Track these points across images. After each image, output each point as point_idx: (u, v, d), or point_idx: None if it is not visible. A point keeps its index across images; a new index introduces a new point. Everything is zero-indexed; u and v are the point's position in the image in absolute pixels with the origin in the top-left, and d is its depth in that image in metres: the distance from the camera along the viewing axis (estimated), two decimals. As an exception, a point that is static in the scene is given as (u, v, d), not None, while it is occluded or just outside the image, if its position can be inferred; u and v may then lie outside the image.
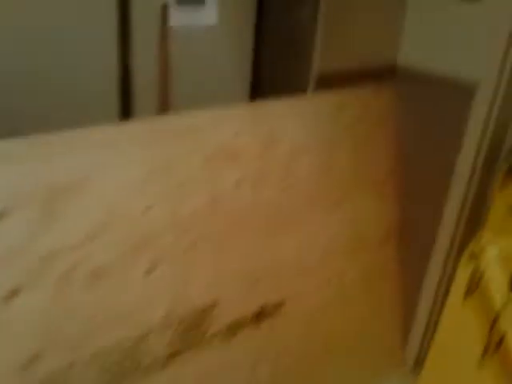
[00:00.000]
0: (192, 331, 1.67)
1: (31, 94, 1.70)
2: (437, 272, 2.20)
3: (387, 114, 2.21)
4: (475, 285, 1.76)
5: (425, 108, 2.16)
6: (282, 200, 1.88)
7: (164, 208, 1.58)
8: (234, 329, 1.78)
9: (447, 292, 1.95)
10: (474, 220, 2.06)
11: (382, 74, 2.16)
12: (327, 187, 2.02)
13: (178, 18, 1.85)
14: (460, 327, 1.86)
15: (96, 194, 1.45)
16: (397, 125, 2.25)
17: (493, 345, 1.76)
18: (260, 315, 1.85)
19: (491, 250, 1.67)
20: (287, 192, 1.89)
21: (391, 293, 2.35)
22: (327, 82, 1.98)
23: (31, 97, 1.70)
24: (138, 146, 1.53)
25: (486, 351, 1.77)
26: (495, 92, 1.87)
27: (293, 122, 1.89)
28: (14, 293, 1.30)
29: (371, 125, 2.16)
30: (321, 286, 2.03)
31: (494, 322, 1.73)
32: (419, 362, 2.39)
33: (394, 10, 2.11)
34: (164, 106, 1.88)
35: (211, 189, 1.68)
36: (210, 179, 1.68)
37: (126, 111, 1.86)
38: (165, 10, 1.78)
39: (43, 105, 1.72)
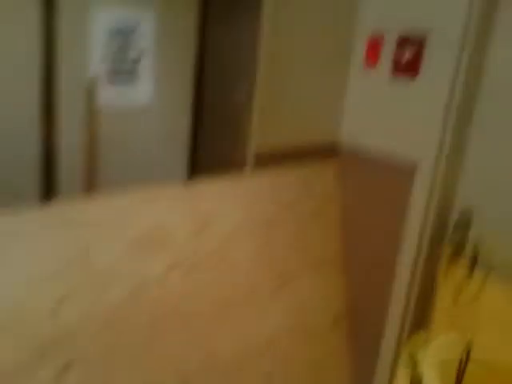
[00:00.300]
0: None
1: None
2: (386, 365, 2.05)
3: (330, 192, 2.14)
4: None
5: (369, 186, 2.09)
6: (217, 288, 1.72)
7: (78, 303, 1.40)
8: None
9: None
10: (422, 306, 1.95)
11: (324, 152, 2.10)
12: (267, 272, 1.88)
13: (108, 95, 1.76)
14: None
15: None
16: (341, 203, 2.17)
17: None
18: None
19: (429, 354, 1.54)
20: (222, 279, 1.74)
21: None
22: (266, 161, 1.89)
23: None
24: (50, 232, 1.37)
25: None
26: (435, 171, 1.82)
27: (229, 202, 1.78)
28: None
29: (314, 203, 2.07)
30: (261, 381, 1.84)
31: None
32: None
33: (334, 86, 2.07)
34: (89, 187, 1.74)
35: (135, 279, 1.52)
36: (134, 268, 1.53)
37: (48, 192, 1.71)
38: (92, 85, 1.68)
39: None
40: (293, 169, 1.98)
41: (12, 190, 1.63)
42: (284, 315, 1.93)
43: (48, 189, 1.74)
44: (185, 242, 1.66)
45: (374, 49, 2.00)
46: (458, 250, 1.80)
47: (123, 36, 1.76)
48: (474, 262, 1.72)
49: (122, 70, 1.80)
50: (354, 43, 2.06)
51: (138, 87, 1.85)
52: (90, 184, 1.78)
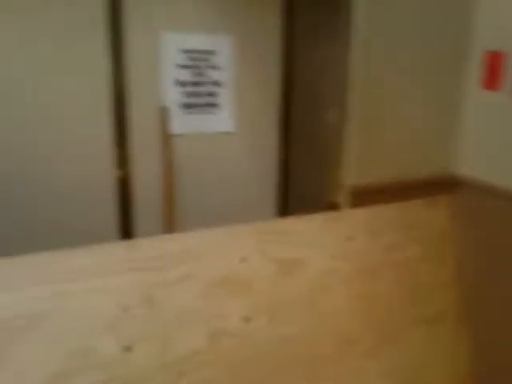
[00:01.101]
0: None
1: (30, 205, 1.51)
2: None
3: (444, 232, 1.83)
4: None
5: (491, 224, 1.76)
6: (304, 340, 1.50)
7: (148, 348, 1.26)
8: None
9: None
10: None
11: (434, 186, 1.81)
12: (365, 324, 1.62)
13: (183, 123, 1.65)
14: None
15: (61, 331, 1.17)
16: (458, 245, 1.85)
17: None
18: None
19: None
20: (310, 329, 1.52)
21: None
22: (363, 196, 1.66)
23: (30, 207, 1.52)
24: (119, 271, 1.26)
25: None
26: None
27: (320, 243, 1.57)
28: None
29: (423, 246, 1.78)
30: None
31: None
32: None
33: (445, 111, 1.80)
34: (168, 220, 1.63)
35: (212, 323, 1.36)
36: (212, 312, 1.36)
37: (126, 229, 1.63)
38: (164, 113, 1.58)
39: (43, 216, 1.53)
40: (396, 206, 1.72)
41: (91, 228, 1.57)
42: (384, 377, 1.65)
43: (126, 226, 1.66)
44: (269, 285, 1.48)
45: (494, 67, 1.70)
46: None
47: (199, 60, 1.66)
48: None
49: (200, 97, 1.69)
50: (468, 61, 1.78)
51: (217, 115, 1.73)
52: (170, 216, 1.67)
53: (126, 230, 1.65)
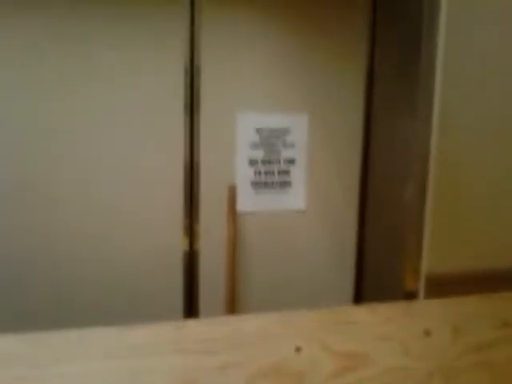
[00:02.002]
0: None
1: (94, 284, 1.61)
2: None
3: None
4: None
5: None
6: None
7: None
8: None
9: None
10: None
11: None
12: None
13: (253, 201, 1.65)
14: None
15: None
16: None
17: None
18: None
19: None
20: None
21: None
22: (443, 286, 1.51)
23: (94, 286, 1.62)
24: (159, 354, 1.26)
25: None
26: None
27: (391, 336, 1.43)
28: None
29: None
30: None
31: None
32: None
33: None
34: (230, 300, 1.61)
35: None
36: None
37: (190, 300, 1.65)
38: (233, 192, 1.60)
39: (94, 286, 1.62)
40: (484, 298, 1.53)
41: (150, 299, 1.61)
42: None
43: (191, 298, 1.68)
44: (325, 381, 1.37)
45: None
46: None
47: (273, 138, 1.67)
48: None
49: (272, 175, 1.68)
50: None
51: (290, 194, 1.71)
52: (231, 296, 1.65)
53: (190, 302, 1.67)
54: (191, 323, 1.37)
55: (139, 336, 1.28)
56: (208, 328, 1.33)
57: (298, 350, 1.36)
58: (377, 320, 1.43)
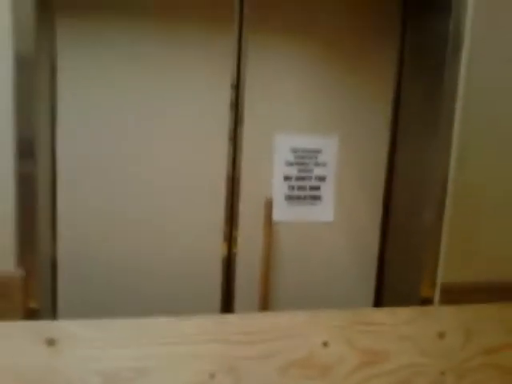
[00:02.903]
0: None
1: (139, 274, 1.81)
2: None
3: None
4: None
5: None
6: None
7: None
8: None
9: None
10: None
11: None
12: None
13: (286, 213, 1.84)
14: None
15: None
16: None
17: None
18: None
19: None
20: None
21: None
22: (457, 295, 1.66)
23: (141, 272, 1.81)
24: (205, 342, 1.44)
25: None
26: None
27: (407, 337, 1.59)
28: None
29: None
30: None
31: None
32: None
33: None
34: (264, 300, 1.79)
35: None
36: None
37: (227, 299, 1.84)
38: (270, 204, 1.79)
39: (148, 281, 1.82)
40: (495, 305, 1.67)
41: (195, 297, 1.80)
42: None
43: (227, 297, 1.86)
44: (349, 373, 1.53)
45: None
46: None
47: (306, 158, 1.86)
48: None
49: (304, 190, 1.87)
50: None
51: (319, 207, 1.89)
52: (265, 297, 1.83)
53: (228, 301, 1.86)
54: (232, 317, 1.55)
55: (187, 326, 1.45)
56: (246, 322, 1.50)
57: (325, 344, 1.53)
58: (396, 322, 1.59)
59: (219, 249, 1.83)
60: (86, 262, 1.75)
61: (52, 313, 1.72)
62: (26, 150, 1.36)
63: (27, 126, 1.36)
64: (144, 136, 1.75)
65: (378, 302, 1.98)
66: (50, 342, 1.34)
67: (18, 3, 1.30)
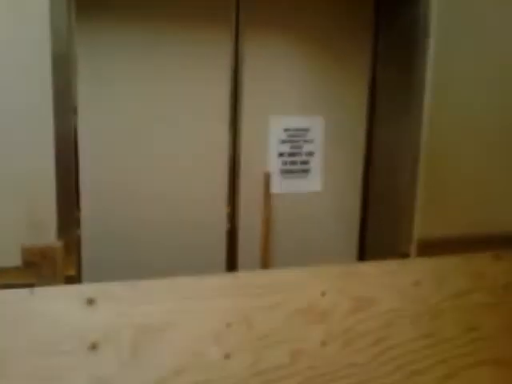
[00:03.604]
0: None
1: (154, 244, 2.04)
2: None
3: (507, 284, 2.04)
4: None
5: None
6: (372, 368, 1.80)
7: (243, 358, 1.65)
8: None
9: None
10: None
11: (499, 242, 2.04)
12: (428, 361, 1.88)
13: (283, 184, 2.10)
14: None
15: (181, 337, 1.60)
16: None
17: None
18: None
19: None
20: (379, 360, 1.81)
21: None
22: (431, 248, 1.95)
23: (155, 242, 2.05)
24: (221, 297, 1.67)
25: None
26: None
27: (389, 286, 1.86)
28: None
29: (487, 295, 2.00)
30: None
31: None
32: None
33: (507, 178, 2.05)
34: (266, 261, 2.05)
35: (294, 345, 1.71)
36: (294, 334, 1.72)
37: (232, 263, 2.10)
38: (267, 177, 2.04)
39: (162, 250, 2.05)
40: (462, 256, 1.97)
41: (203, 262, 2.04)
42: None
43: (231, 261, 2.11)
44: (344, 317, 1.79)
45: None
46: None
47: (297, 136, 2.11)
48: None
49: (295, 164, 2.13)
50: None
51: (309, 179, 2.15)
52: (266, 258, 2.10)
53: (232, 263, 2.11)
54: (241, 275, 1.79)
55: (204, 285, 1.68)
56: (254, 278, 1.74)
57: (322, 294, 1.78)
58: (379, 272, 1.86)
59: (224, 218, 2.07)
60: (104, 234, 1.96)
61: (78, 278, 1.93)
62: (65, 145, 1.56)
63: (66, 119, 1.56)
64: (155, 120, 1.96)
65: (362, 257, 2.28)
66: (90, 302, 1.55)
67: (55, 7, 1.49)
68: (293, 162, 2.12)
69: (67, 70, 1.53)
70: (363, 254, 2.27)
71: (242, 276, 1.77)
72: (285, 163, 2.11)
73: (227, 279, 1.74)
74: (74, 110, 1.83)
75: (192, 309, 1.64)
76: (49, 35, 1.48)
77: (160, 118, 1.96)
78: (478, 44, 1.94)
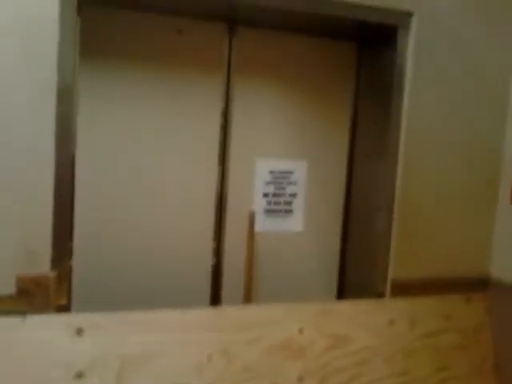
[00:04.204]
0: None
1: (141, 276, 2.12)
2: None
3: (479, 326, 2.14)
4: None
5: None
6: (347, 403, 1.87)
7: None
8: None
9: None
10: None
11: (470, 284, 2.16)
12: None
13: (266, 224, 2.21)
14: None
15: (163, 369, 1.66)
16: (490, 337, 2.14)
17: None
18: None
19: None
20: (353, 396, 1.89)
21: None
22: (405, 289, 2.05)
23: (143, 274, 2.12)
24: (203, 330, 1.75)
25: None
26: None
27: (364, 325, 1.95)
28: None
29: (457, 336, 2.10)
30: None
31: None
32: None
33: (479, 223, 2.19)
34: (248, 296, 2.15)
35: (272, 379, 1.78)
36: (272, 369, 1.80)
37: (216, 296, 2.19)
38: (252, 216, 2.15)
39: (149, 282, 2.13)
40: (434, 298, 2.08)
41: (188, 294, 2.13)
42: None
43: (216, 294, 2.20)
44: (321, 354, 1.87)
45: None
46: None
47: (281, 178, 2.23)
48: None
49: (279, 205, 2.25)
50: (500, 185, 2.20)
51: (292, 219, 2.26)
52: (249, 293, 2.18)
53: (216, 297, 2.18)
54: (223, 309, 1.87)
55: (187, 317, 1.76)
56: (235, 313, 1.82)
57: (300, 331, 1.87)
58: (355, 311, 1.96)
59: (209, 253, 2.17)
60: (94, 265, 2.04)
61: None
62: (64, 174, 1.66)
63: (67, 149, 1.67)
64: (146, 157, 2.07)
65: (340, 295, 2.37)
66: (79, 331, 1.62)
67: (63, 49, 1.62)
68: (277, 203, 2.23)
69: (70, 103, 1.65)
70: (342, 292, 2.37)
71: (223, 310, 1.86)
72: (269, 203, 2.22)
73: (209, 313, 1.82)
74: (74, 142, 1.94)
75: (175, 340, 1.71)
76: (56, 73, 1.61)
77: (152, 155, 2.07)
78: (450, 89, 2.10)
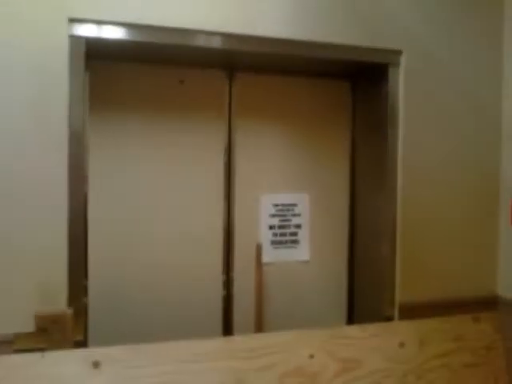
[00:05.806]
0: None
1: (154, 309, 2.19)
2: None
3: (488, 344, 2.15)
4: None
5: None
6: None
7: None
8: None
9: None
10: None
11: (478, 304, 2.18)
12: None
13: (272, 255, 2.29)
14: None
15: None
16: (502, 356, 2.15)
17: None
18: None
19: None
20: (367, 419, 1.90)
21: None
22: (413, 312, 2.09)
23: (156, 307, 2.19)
24: (216, 359, 1.79)
25: None
26: None
27: (374, 348, 1.97)
28: None
29: (469, 356, 2.11)
30: None
31: None
32: None
33: (482, 243, 2.25)
34: (259, 324, 2.20)
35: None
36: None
37: (227, 326, 2.25)
38: (259, 248, 2.23)
39: (163, 315, 2.19)
40: (443, 319, 2.11)
41: (201, 326, 2.19)
42: None
43: (227, 324, 2.26)
44: (330, 379, 1.89)
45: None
46: None
47: (285, 210, 2.32)
48: None
49: (285, 236, 2.33)
50: (501, 205, 2.28)
51: (298, 249, 2.34)
52: (260, 321, 2.24)
53: (228, 327, 2.25)
54: (235, 338, 1.92)
55: (200, 347, 1.81)
56: (247, 341, 1.87)
57: (311, 356, 1.90)
58: (365, 335, 1.99)
59: (220, 285, 2.24)
60: (109, 300, 2.12)
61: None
62: (78, 214, 1.77)
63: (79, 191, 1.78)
64: (156, 195, 2.18)
65: (350, 320, 2.42)
66: (95, 364, 1.68)
67: (73, 99, 1.75)
68: (282, 234, 2.32)
69: (80, 149, 1.76)
70: (352, 318, 2.41)
71: (235, 339, 1.91)
72: (275, 235, 2.30)
73: (221, 343, 1.87)
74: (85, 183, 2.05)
75: (190, 370, 1.75)
76: (66, 122, 1.73)
77: (161, 193, 2.18)
78: (442, 116, 2.19)
